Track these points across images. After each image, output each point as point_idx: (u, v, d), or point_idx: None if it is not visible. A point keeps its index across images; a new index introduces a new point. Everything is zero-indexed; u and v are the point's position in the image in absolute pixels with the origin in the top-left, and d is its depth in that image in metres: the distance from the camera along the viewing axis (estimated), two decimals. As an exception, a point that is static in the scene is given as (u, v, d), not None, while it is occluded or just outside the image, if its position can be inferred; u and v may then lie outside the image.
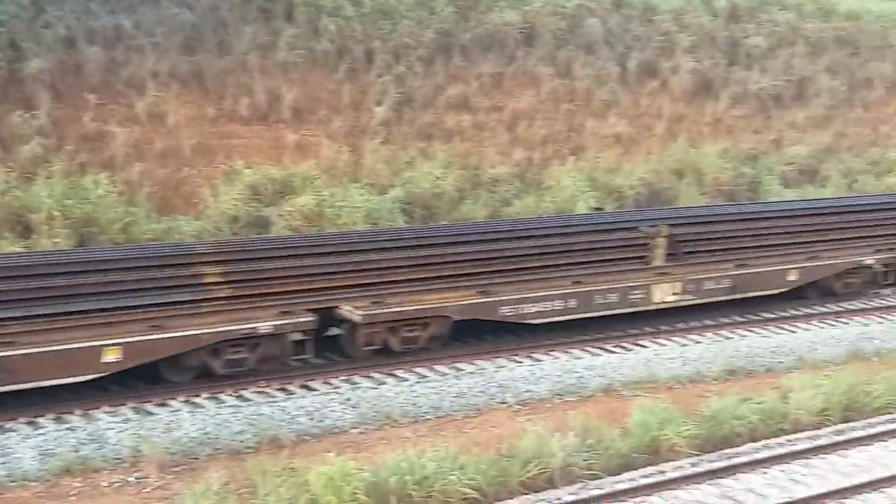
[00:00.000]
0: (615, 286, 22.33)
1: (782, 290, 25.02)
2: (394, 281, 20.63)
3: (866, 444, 19.30)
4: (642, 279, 22.84)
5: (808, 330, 24.47)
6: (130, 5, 26.30)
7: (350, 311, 19.67)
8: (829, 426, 20.06)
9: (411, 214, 27.19)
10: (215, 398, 18.31)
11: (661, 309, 23.44)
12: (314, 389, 19.04)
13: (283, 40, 27.88)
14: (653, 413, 18.88)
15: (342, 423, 18.52)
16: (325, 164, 27.16)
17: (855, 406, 20.92)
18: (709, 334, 23.66)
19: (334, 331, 20.51)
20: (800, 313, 25.68)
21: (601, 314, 22.28)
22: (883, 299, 27.37)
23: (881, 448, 19.25)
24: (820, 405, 20.41)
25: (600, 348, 22.22)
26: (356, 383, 19.46)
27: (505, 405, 19.97)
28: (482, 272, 21.77)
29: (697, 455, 18.44)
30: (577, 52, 32.52)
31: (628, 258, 23.50)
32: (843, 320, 25.43)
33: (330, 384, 19.37)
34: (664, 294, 22.94)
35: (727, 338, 23.50)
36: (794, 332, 24.29)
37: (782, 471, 18.05)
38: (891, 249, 26.98)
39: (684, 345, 22.80)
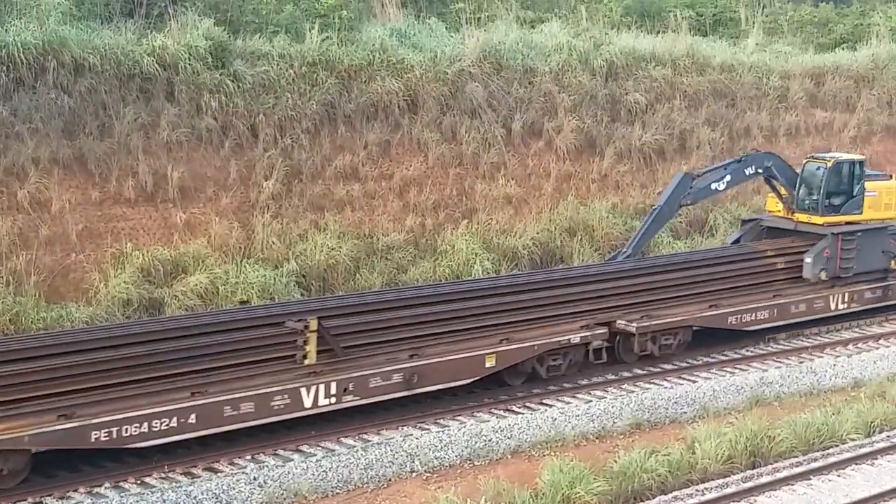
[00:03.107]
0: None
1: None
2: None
3: (774, 490, 19.58)
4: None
5: (708, 379, 24.73)
6: (6, 92, 25.76)
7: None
8: (737, 474, 20.27)
9: (307, 287, 26.97)
10: (118, 487, 17.83)
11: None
12: (219, 471, 18.66)
13: (166, 119, 27.54)
14: (562, 472, 18.93)
15: (250, 503, 18.18)
16: (217, 241, 26.85)
17: (760, 452, 21.18)
18: (612, 389, 23.75)
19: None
20: (699, 363, 25.95)
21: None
22: (779, 344, 27.80)
23: (788, 492, 19.54)
24: (726, 453, 20.67)
25: (507, 410, 22.19)
26: (262, 461, 19.12)
27: (415, 474, 19.83)
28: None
29: (610, 511, 18.50)
30: (461, 117, 32.67)
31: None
32: (742, 367, 25.75)
33: (235, 465, 19.00)
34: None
35: (630, 391, 23.62)
36: (695, 381, 24.52)
37: (695, 521, 18.18)
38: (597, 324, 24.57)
39: (589, 401, 22.88)
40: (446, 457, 20.42)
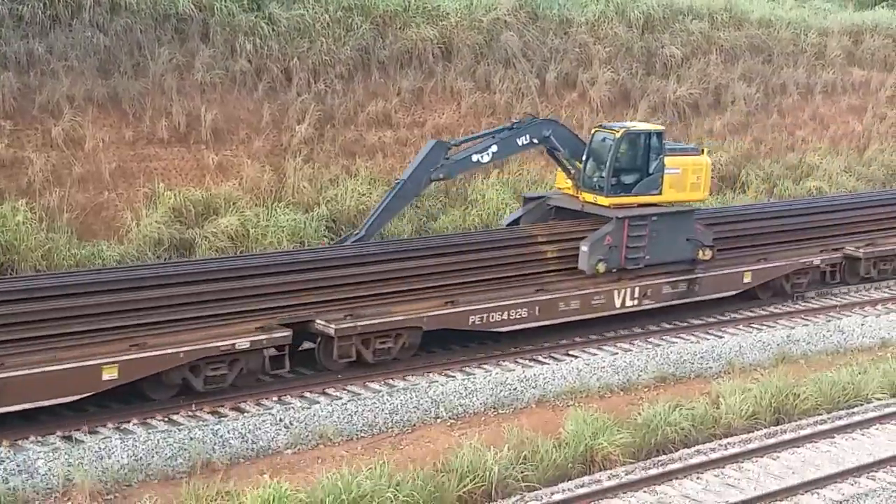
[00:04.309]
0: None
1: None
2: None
3: (797, 447, 19.61)
4: None
5: (735, 335, 24.74)
6: (42, 30, 25.84)
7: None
8: (760, 429, 20.34)
9: (337, 233, 27.04)
10: (146, 423, 18.03)
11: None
12: (246, 411, 18.84)
13: (200, 61, 27.56)
14: (586, 423, 19.05)
15: (276, 444, 18.43)
16: (248, 184, 26.92)
17: (784, 409, 21.24)
18: (638, 342, 23.80)
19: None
20: (727, 318, 25.94)
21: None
22: (807, 302, 27.74)
23: (812, 449, 19.56)
24: (750, 409, 20.77)
25: (532, 360, 22.28)
26: (288, 403, 19.28)
27: (439, 420, 19.96)
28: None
29: (632, 463, 18.66)
30: (495, 66, 32.57)
31: None
32: (769, 324, 25.74)
33: (262, 405, 19.17)
34: None
35: (656, 345, 23.67)
36: (721, 337, 24.55)
37: (716, 475, 18.30)
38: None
39: (614, 353, 22.94)
40: (471, 404, 20.54)
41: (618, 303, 24.12)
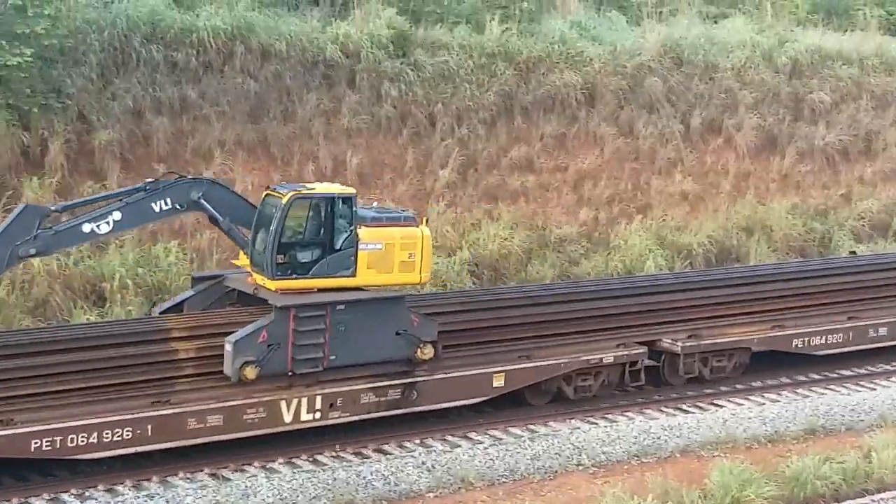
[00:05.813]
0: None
1: None
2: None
3: (954, 504, 18.91)
4: None
5: (888, 387, 24.01)
6: (195, 76, 26.63)
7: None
8: (915, 485, 19.69)
9: (479, 276, 27.10)
10: (291, 463, 18.22)
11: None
12: (389, 453, 18.92)
13: (347, 106, 28.09)
14: (733, 474, 18.59)
15: (417, 487, 18.40)
16: (392, 228, 27.18)
17: (941, 464, 20.49)
18: (786, 393, 23.28)
19: None
20: (879, 370, 25.23)
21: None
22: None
23: (969, 507, 18.85)
24: (905, 464, 20.05)
25: (676, 408, 21.93)
26: (430, 446, 19.30)
27: (581, 467, 19.75)
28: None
29: (781, 516, 18.18)
30: (639, 111, 32.49)
31: None
32: (924, 377, 24.96)
33: (404, 447, 19.22)
34: None
35: (805, 396, 23.11)
36: (874, 389, 23.86)
37: (869, 531, 17.76)
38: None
39: (762, 404, 22.46)
40: (613, 452, 20.28)
41: (288, 417, 18.61)
